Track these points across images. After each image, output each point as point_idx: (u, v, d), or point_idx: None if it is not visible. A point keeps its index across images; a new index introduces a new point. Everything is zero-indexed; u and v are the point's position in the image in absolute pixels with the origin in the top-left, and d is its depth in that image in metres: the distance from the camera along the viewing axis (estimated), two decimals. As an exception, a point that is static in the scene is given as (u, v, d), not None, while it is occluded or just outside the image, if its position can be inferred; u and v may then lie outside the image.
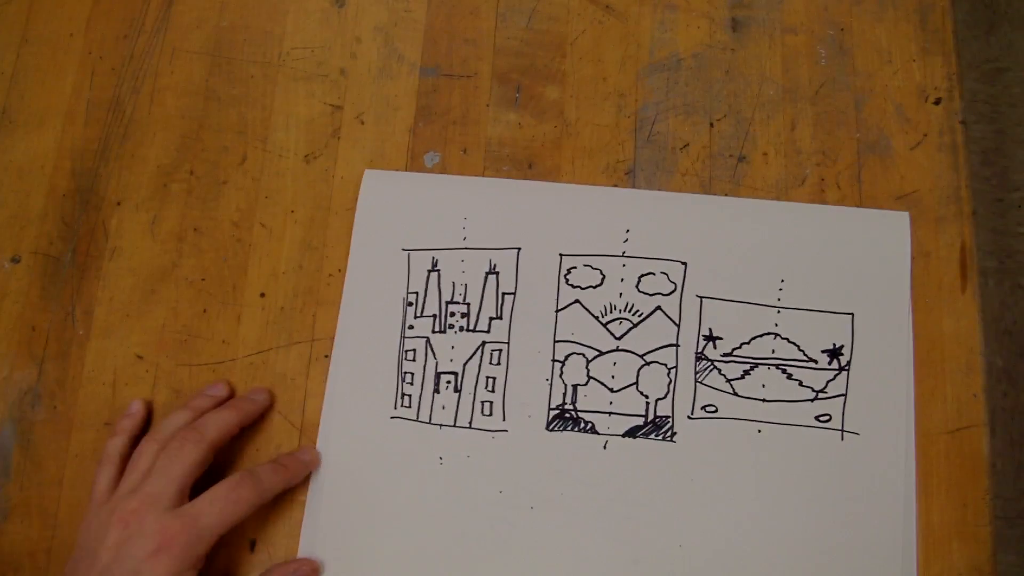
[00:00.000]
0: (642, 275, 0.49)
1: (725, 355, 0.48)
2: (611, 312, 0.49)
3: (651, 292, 0.49)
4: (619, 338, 0.49)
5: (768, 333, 0.48)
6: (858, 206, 0.50)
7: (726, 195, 0.51)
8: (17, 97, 0.54)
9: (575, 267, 0.50)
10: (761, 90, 0.53)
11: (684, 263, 0.49)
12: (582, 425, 0.48)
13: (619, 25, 0.54)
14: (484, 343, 0.49)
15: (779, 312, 0.48)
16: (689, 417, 0.48)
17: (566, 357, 0.48)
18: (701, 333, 0.48)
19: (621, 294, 0.49)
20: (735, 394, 0.48)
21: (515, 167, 0.52)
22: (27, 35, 0.56)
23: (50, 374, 0.50)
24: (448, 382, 0.49)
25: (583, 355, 0.48)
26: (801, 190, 0.51)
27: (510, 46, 0.54)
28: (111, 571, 0.40)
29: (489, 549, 0.46)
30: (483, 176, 0.52)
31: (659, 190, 0.51)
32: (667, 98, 0.53)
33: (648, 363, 0.48)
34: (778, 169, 0.51)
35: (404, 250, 0.50)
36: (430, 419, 0.48)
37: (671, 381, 0.48)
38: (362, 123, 0.53)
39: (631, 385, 0.48)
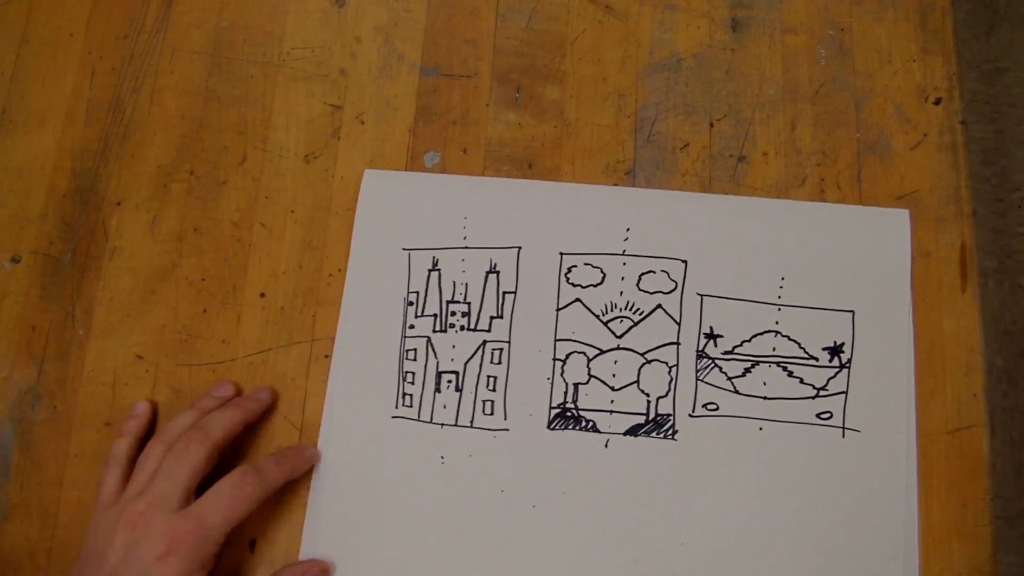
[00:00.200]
0: (643, 273, 0.49)
1: (726, 353, 0.48)
2: (612, 311, 0.49)
3: (652, 290, 0.49)
4: (620, 336, 0.49)
5: (769, 331, 0.48)
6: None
7: (726, 195, 0.51)
8: (17, 97, 0.54)
9: (575, 266, 0.50)
10: (761, 90, 0.53)
11: (684, 261, 0.49)
12: (583, 424, 0.48)
13: (619, 25, 0.54)
14: (485, 342, 0.49)
15: (780, 310, 0.48)
16: (690, 415, 0.47)
17: (567, 356, 0.48)
18: (702, 331, 0.48)
19: (622, 292, 0.49)
20: (736, 392, 0.48)
21: (515, 167, 0.52)
22: (27, 35, 0.56)
23: (50, 374, 0.50)
24: (449, 381, 0.49)
25: (584, 354, 0.48)
26: (801, 190, 0.51)
27: (510, 46, 0.54)
28: (119, 573, 0.40)
29: (491, 548, 0.46)
30: (483, 176, 0.52)
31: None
32: (667, 98, 0.53)
33: (649, 361, 0.48)
34: (778, 169, 0.51)
35: (404, 250, 0.50)
36: (431, 419, 0.48)
37: (672, 379, 0.48)
38: (362, 123, 0.53)
39: (632, 383, 0.48)
